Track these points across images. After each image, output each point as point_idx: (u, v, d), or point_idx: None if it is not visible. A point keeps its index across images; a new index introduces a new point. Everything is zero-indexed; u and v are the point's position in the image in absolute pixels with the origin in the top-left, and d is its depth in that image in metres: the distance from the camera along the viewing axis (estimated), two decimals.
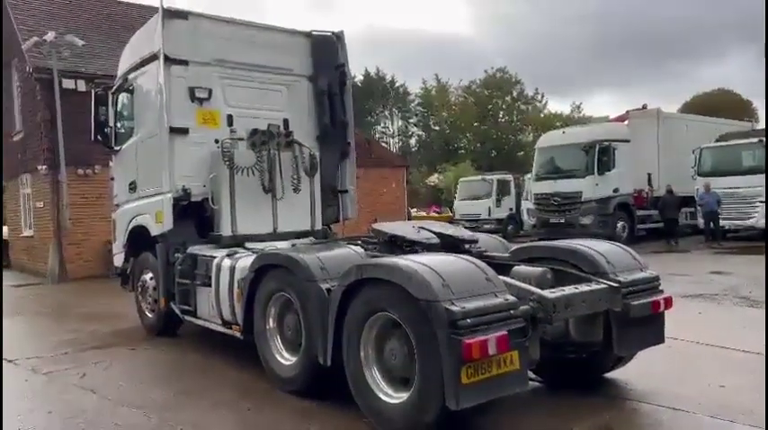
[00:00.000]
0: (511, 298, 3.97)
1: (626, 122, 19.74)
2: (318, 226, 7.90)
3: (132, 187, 7.89)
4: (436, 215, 25.96)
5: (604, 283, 4.53)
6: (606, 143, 17.84)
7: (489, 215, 24.31)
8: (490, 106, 56.30)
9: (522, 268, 4.82)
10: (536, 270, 4.71)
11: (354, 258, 5.03)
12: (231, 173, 7.07)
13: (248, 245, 6.93)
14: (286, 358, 5.26)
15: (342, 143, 8.48)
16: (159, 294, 7.28)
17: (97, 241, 15.08)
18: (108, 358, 6.74)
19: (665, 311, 4.80)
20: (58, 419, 4.86)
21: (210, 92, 7.30)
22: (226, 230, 7.10)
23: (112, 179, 8.62)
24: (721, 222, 17.64)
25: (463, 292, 3.82)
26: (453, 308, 3.67)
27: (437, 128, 58.27)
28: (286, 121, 7.79)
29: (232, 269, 5.96)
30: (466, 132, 55.62)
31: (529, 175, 22.17)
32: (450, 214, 26.13)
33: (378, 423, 4.23)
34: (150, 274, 7.66)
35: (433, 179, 40.24)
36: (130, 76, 7.88)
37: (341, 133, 8.42)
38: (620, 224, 18.05)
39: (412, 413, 3.95)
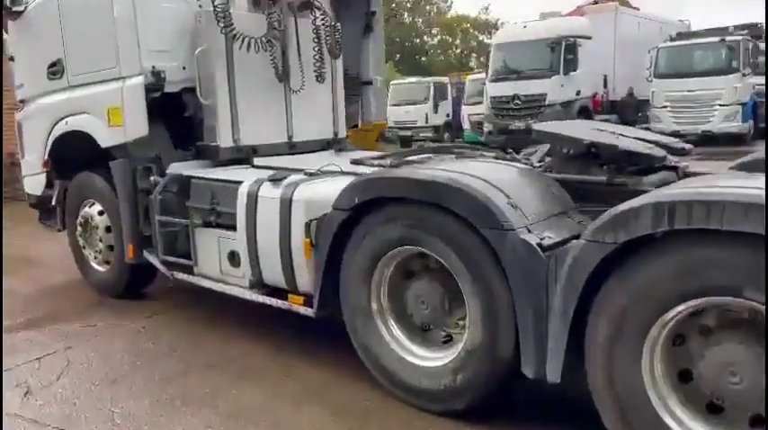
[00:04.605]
0: None
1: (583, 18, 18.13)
2: (342, 132, 5.55)
3: (55, 71, 4.98)
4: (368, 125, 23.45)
5: None
6: (572, 39, 16.16)
7: (427, 122, 22.25)
8: (394, 5, 53.06)
9: None
10: None
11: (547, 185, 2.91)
12: (229, 46, 4.50)
13: (257, 161, 4.61)
14: (421, 356, 3.11)
15: (363, 12, 5.94)
16: (125, 239, 4.67)
17: None
18: (54, 345, 4.22)
19: None
20: None
21: None
22: (225, 139, 4.60)
23: (12, 59, 5.55)
24: (673, 126, 17.00)
25: None
26: None
27: None
28: None
29: (286, 203, 3.57)
30: None
31: (472, 77, 20.27)
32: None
33: None
34: (99, 207, 5.01)
35: None
36: None
37: None
38: None
39: None
